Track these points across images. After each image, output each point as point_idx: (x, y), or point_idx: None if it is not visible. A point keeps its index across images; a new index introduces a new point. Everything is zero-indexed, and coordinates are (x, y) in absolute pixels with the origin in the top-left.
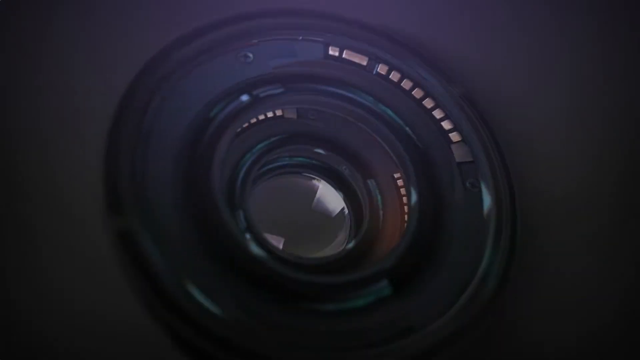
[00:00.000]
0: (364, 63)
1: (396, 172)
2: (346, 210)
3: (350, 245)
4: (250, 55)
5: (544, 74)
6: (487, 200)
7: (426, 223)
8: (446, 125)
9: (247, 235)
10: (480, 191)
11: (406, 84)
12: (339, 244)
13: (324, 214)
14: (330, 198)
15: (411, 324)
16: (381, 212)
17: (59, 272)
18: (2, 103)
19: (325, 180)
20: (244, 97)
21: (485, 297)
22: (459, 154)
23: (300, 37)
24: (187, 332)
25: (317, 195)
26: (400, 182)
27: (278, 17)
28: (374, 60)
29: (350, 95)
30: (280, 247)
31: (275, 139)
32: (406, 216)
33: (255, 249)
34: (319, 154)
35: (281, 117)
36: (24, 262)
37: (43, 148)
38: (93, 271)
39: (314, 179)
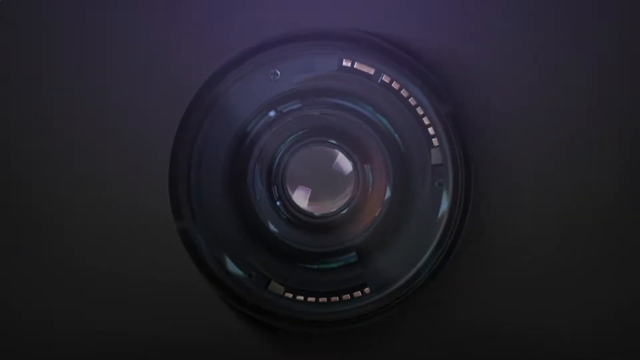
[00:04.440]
0: (372, 73)
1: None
2: (353, 171)
3: (344, 210)
4: (278, 72)
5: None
6: (444, 204)
7: (393, 213)
8: (431, 130)
9: (278, 203)
10: (441, 193)
11: (404, 92)
12: (346, 195)
13: (340, 173)
14: (344, 163)
15: (365, 281)
16: (370, 189)
17: (139, 259)
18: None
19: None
20: (271, 113)
21: (419, 284)
22: (436, 157)
23: (319, 52)
24: (219, 289)
25: (336, 159)
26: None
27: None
28: (380, 70)
29: (354, 106)
30: (309, 194)
31: (302, 132)
32: (378, 210)
33: (272, 226)
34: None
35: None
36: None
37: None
38: (162, 257)
39: (335, 149)
